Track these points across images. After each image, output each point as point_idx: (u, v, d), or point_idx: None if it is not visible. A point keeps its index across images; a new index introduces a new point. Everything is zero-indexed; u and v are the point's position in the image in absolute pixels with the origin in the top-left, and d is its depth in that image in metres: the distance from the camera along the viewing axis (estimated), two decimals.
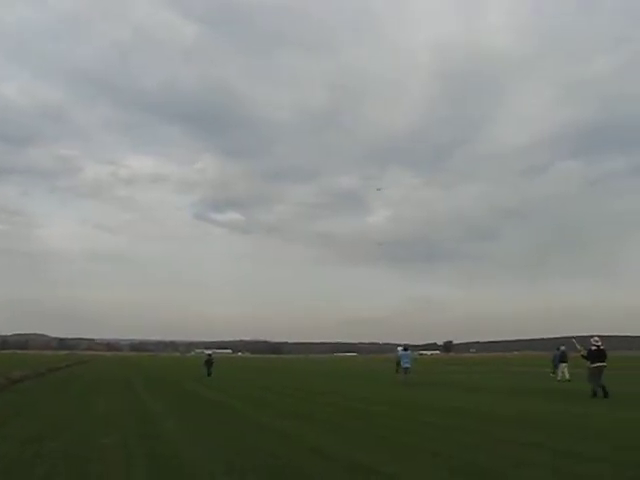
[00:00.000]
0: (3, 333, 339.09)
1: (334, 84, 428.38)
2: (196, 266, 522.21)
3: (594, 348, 21.43)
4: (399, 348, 34.20)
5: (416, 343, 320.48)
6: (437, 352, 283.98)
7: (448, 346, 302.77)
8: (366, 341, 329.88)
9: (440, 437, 11.69)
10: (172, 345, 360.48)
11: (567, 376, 33.12)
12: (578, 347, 23.30)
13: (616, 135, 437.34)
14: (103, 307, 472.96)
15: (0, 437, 11.70)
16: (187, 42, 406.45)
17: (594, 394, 21.23)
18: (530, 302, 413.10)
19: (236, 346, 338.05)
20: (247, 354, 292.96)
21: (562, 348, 34.82)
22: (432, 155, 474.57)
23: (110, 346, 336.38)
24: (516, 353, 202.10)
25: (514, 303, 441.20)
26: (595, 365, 21.34)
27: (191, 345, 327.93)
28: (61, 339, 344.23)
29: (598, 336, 22.00)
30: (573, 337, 25.29)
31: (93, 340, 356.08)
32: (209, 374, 41.76)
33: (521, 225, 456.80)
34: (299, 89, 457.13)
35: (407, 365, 30.63)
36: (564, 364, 33.82)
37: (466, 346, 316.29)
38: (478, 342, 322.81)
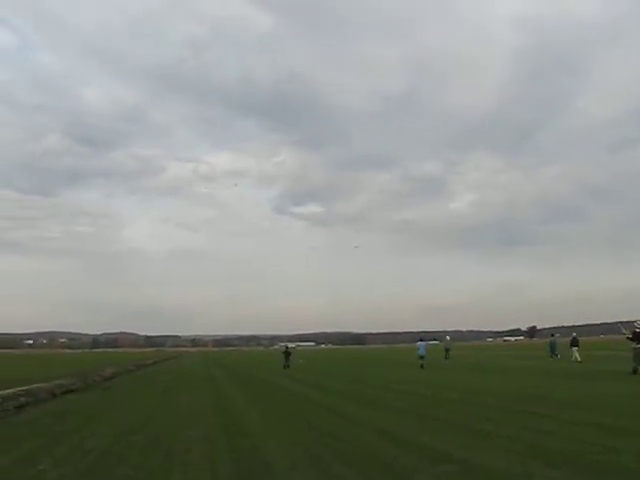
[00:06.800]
0: (94, 332, 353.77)
1: (411, 68, 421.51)
2: (277, 260, 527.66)
3: (638, 330, 24.12)
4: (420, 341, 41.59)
5: (500, 329, 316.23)
6: (521, 338, 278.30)
7: (532, 331, 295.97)
8: (449, 329, 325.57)
9: (509, 421, 11.64)
10: (255, 339, 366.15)
11: (579, 358, 36.63)
12: (623, 330, 26.34)
13: None
14: (187, 304, 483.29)
15: (92, 430, 12.36)
16: (261, 33, 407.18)
17: (634, 372, 23.33)
18: (617, 284, 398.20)
19: (319, 338, 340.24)
20: (330, 346, 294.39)
21: (574, 334, 39.73)
22: (515, 136, 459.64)
23: (195, 342, 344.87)
24: (602, 337, 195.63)
25: (601, 285, 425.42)
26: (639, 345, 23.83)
27: (274, 339, 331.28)
28: (148, 337, 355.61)
29: None
30: (619, 322, 26.94)
31: (179, 337, 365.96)
32: (287, 366, 42.38)
33: (608, 204, 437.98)
34: (375, 75, 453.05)
35: (422, 354, 37.90)
36: (575, 348, 37.78)
37: (550, 331, 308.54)
38: (563, 326, 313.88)
